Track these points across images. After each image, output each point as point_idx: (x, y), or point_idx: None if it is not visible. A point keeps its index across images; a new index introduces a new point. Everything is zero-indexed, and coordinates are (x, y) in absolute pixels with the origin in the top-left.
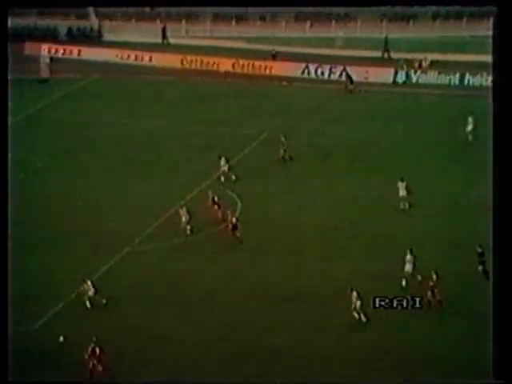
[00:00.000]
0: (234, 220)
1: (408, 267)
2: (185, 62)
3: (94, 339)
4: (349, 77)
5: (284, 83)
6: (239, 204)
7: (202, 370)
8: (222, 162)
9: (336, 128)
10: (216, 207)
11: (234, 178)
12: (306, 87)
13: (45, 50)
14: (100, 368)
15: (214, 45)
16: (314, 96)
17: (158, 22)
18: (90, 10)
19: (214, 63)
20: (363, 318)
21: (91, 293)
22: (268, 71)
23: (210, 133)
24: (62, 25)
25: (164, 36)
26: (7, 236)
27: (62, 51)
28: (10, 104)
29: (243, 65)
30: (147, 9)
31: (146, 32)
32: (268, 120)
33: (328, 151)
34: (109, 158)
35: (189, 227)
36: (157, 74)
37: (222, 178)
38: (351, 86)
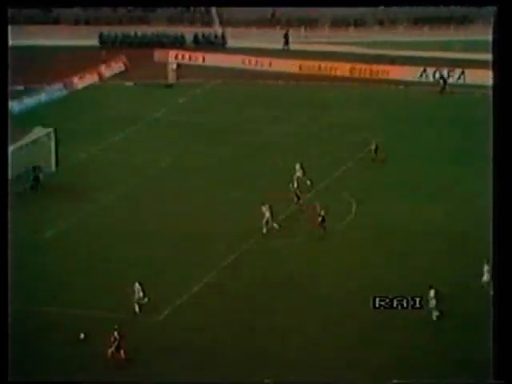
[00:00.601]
0: (322, 212)
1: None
2: (303, 68)
3: (116, 327)
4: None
5: (401, 87)
6: (354, 205)
7: None
8: (297, 167)
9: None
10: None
11: (308, 183)
12: (422, 91)
13: (172, 56)
14: (121, 355)
15: (331, 50)
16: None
17: (277, 28)
18: (215, 17)
19: (332, 68)
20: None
21: (139, 296)
22: (385, 75)
23: (325, 137)
24: (188, 32)
25: (286, 42)
26: (7, 235)
27: (187, 57)
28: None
29: (361, 69)
30: (268, 15)
31: (267, 38)
32: (383, 124)
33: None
34: (229, 159)
35: (275, 224)
36: (275, 78)
37: (296, 184)
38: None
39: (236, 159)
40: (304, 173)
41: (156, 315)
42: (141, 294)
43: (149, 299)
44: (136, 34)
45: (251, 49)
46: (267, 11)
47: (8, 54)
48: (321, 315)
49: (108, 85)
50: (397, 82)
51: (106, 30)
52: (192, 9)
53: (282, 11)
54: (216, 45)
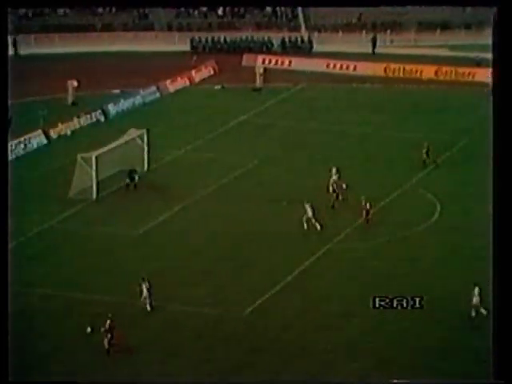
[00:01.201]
0: (368, 206)
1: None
2: (388, 71)
3: (110, 315)
4: None
5: (486, 90)
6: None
7: None
8: (333, 171)
9: None
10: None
11: (344, 186)
12: None
13: (260, 60)
14: (115, 341)
15: (416, 53)
16: None
17: (363, 32)
18: (302, 22)
19: (417, 71)
20: (483, 312)
21: (145, 294)
22: (471, 77)
23: (408, 139)
24: (275, 37)
25: (374, 46)
26: (7, 234)
27: (274, 62)
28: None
29: (446, 72)
30: (354, 20)
31: (352, 42)
32: (469, 125)
33: None
34: (316, 161)
35: (313, 221)
36: (361, 81)
37: (331, 189)
38: None
39: (321, 162)
40: (339, 176)
41: (240, 311)
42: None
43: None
44: (225, 39)
45: (337, 53)
46: (353, 15)
47: (8, 53)
48: (406, 314)
49: (198, 88)
50: (483, 85)
51: (196, 35)
52: (279, 14)
53: (368, 15)
54: (302, 49)
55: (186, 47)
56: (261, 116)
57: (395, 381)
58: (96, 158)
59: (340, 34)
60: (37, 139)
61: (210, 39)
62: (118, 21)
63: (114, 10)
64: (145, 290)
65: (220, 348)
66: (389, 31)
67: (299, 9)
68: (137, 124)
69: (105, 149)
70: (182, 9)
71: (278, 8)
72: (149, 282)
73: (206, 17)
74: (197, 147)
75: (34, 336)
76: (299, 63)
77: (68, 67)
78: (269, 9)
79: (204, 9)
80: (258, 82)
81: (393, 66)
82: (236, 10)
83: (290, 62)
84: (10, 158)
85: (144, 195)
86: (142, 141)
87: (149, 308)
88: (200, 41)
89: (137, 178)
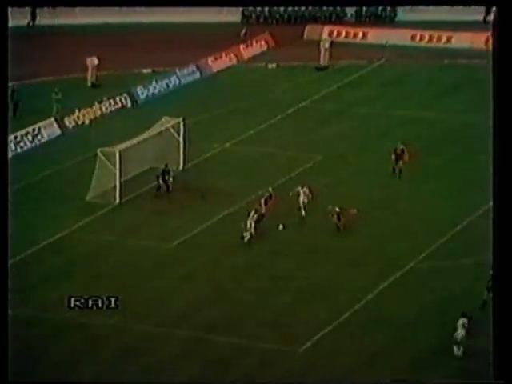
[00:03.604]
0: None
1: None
2: (489, 41)
3: None
4: None
5: None
6: None
7: None
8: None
9: None
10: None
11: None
12: None
13: (326, 32)
14: None
15: None
16: None
17: None
18: None
19: None
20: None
21: None
22: None
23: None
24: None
25: (488, 12)
26: (7, 233)
27: (344, 34)
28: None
29: None
30: None
31: (446, 9)
32: None
33: None
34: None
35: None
36: (453, 57)
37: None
38: None
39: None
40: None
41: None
42: None
43: None
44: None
45: (426, 22)
46: None
47: (8, 54)
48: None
49: (247, 67)
50: None
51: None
52: None
53: None
54: (383, 18)
55: (236, 17)
56: (326, 101)
57: (395, 381)
58: (120, 153)
59: None
60: (48, 130)
61: (265, 7)
62: None
63: None
64: None
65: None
66: None
67: None
68: (171, 111)
69: (131, 142)
70: None
71: None
72: None
73: None
74: (246, 140)
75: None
76: (377, 35)
77: (88, 41)
78: None
79: None
80: (324, 59)
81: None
82: None
83: (364, 34)
84: (14, 152)
85: (179, 199)
86: (178, 132)
87: None
88: (254, 9)
89: (171, 178)
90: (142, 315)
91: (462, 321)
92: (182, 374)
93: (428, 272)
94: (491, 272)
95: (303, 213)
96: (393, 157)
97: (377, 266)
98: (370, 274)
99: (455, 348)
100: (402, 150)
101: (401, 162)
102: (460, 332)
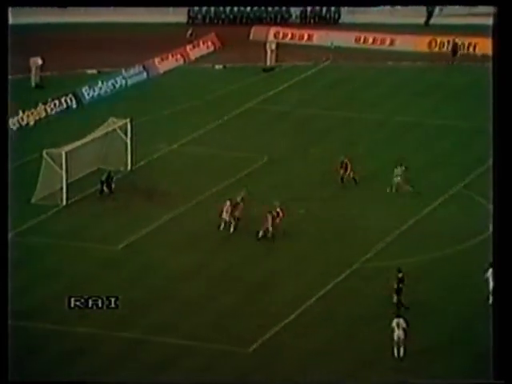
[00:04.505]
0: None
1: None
2: (434, 45)
3: None
4: None
5: None
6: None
7: None
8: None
9: None
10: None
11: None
12: None
13: (272, 34)
14: None
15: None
16: None
17: None
18: None
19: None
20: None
21: None
22: None
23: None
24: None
25: (430, 15)
26: (6, 231)
27: (290, 35)
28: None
29: None
30: None
31: (389, 12)
32: None
33: None
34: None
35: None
36: (397, 59)
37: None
38: None
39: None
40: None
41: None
42: None
43: None
44: (231, 8)
45: (370, 24)
46: None
47: (8, 54)
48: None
49: (194, 68)
50: None
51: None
52: None
53: None
54: (327, 19)
55: (182, 18)
56: (272, 102)
57: (394, 381)
58: (66, 154)
59: None
60: None
61: (211, 8)
62: None
63: None
64: None
65: None
66: None
67: None
68: (118, 112)
69: (78, 143)
70: None
71: None
72: None
73: None
74: (192, 141)
75: None
76: (322, 37)
77: (31, 41)
78: None
79: None
80: (270, 61)
81: (441, 39)
82: None
83: (309, 36)
84: None
85: (126, 201)
86: (125, 133)
87: None
88: (199, 9)
89: (114, 179)
90: (88, 317)
91: (396, 321)
92: (126, 375)
93: (372, 272)
94: (400, 275)
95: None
96: (341, 171)
97: (323, 266)
98: (316, 273)
99: (394, 349)
100: (346, 164)
101: (348, 173)
102: (397, 332)
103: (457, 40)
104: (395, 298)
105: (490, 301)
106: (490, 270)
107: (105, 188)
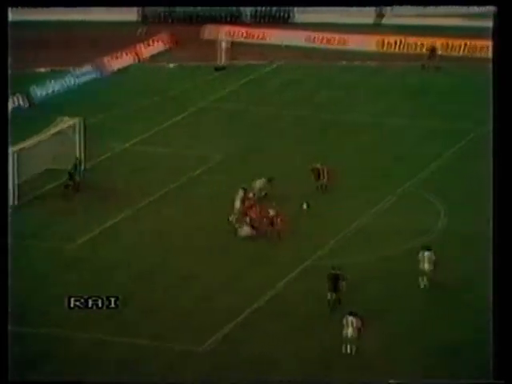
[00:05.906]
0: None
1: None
2: (384, 45)
3: None
4: None
5: None
6: None
7: None
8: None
9: None
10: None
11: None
12: None
13: (224, 33)
14: None
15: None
16: None
17: None
18: None
19: (417, 45)
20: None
21: None
22: None
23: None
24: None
25: (380, 15)
26: (6, 231)
27: (243, 34)
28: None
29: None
30: None
31: (342, 11)
32: None
33: None
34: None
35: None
36: (349, 59)
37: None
38: None
39: (301, 158)
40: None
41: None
42: None
43: None
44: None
45: (323, 24)
46: None
47: (8, 53)
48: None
49: (147, 67)
50: None
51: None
52: None
53: None
54: (278, 19)
55: (133, 16)
56: (225, 101)
57: (392, 381)
58: (16, 154)
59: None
60: None
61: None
62: None
63: None
64: None
65: None
66: None
67: None
68: (69, 111)
69: (28, 143)
70: None
71: None
72: None
73: None
74: (146, 140)
75: None
76: (274, 36)
77: None
78: None
79: None
80: (222, 59)
81: (389, 38)
82: None
83: (261, 35)
84: None
85: (78, 200)
86: (76, 132)
87: None
88: (151, 8)
89: (78, 176)
90: (43, 318)
91: (349, 319)
92: (88, 375)
93: (329, 269)
94: (333, 271)
95: None
96: (313, 178)
97: (279, 263)
98: (272, 270)
99: (343, 346)
100: (319, 170)
101: (322, 180)
102: (348, 330)
103: (436, 43)
104: (329, 295)
105: (422, 285)
106: (424, 253)
107: (70, 183)
